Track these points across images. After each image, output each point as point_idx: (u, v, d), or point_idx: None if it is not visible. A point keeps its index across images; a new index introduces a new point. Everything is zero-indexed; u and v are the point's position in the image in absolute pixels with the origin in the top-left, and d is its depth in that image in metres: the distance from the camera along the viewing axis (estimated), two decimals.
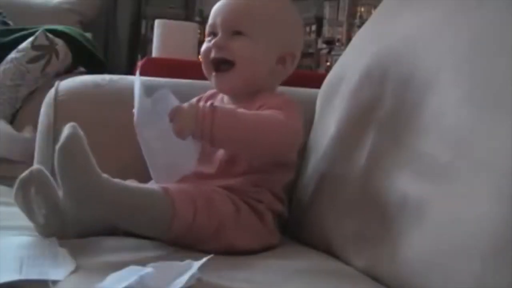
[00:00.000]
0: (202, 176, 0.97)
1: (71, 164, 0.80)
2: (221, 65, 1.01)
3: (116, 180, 0.84)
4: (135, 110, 0.95)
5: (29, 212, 0.86)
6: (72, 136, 0.79)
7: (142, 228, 0.87)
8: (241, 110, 0.93)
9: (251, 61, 1.01)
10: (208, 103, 0.90)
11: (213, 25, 1.03)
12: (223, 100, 1.07)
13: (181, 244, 0.88)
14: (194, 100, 1.09)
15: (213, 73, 1.03)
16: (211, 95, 1.10)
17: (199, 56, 1.05)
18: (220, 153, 0.98)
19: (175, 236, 0.87)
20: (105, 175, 0.83)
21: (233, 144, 0.93)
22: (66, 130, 0.80)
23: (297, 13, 1.09)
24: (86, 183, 0.80)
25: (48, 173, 0.87)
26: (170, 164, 0.94)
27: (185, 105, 0.90)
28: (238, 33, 1.01)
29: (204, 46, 1.03)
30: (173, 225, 0.86)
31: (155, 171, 0.96)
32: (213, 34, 1.03)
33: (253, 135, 0.91)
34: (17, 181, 0.85)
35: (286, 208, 1.04)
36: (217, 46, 1.01)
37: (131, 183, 0.90)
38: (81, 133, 0.81)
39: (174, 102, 0.90)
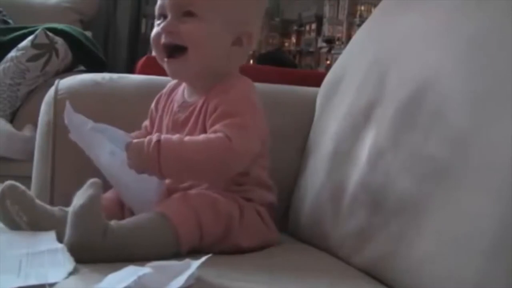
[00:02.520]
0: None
1: (86, 227, 0.79)
2: (173, 51, 0.96)
3: (120, 227, 0.82)
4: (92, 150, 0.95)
5: (12, 223, 0.86)
6: (92, 199, 0.79)
7: (152, 259, 0.85)
8: (187, 138, 0.89)
9: (205, 45, 0.95)
10: (154, 137, 0.87)
11: (162, 6, 0.96)
12: (183, 93, 1.02)
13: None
14: (164, 90, 1.07)
15: (165, 59, 0.97)
16: (172, 88, 1.06)
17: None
18: None
19: (188, 252, 0.86)
20: (111, 225, 0.81)
21: (182, 175, 0.91)
22: (89, 188, 0.80)
23: None
24: (92, 246, 0.79)
25: (20, 185, 0.87)
26: (140, 191, 0.93)
27: (134, 142, 0.88)
28: (188, 13, 0.94)
29: (153, 31, 0.97)
30: (182, 250, 0.84)
31: (127, 198, 0.96)
32: (163, 16, 0.96)
33: (199, 165, 0.89)
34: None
35: (275, 194, 1.02)
36: (166, 30, 0.95)
37: (130, 219, 0.87)
38: (100, 192, 0.80)
39: (121, 136, 0.91)
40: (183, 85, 1.04)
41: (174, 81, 1.06)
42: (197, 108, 0.97)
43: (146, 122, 1.08)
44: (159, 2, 0.97)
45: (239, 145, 0.89)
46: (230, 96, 0.95)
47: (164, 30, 0.95)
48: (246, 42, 0.99)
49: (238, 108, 0.93)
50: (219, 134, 0.89)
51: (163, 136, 0.88)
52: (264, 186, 1.00)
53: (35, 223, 0.86)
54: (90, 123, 0.93)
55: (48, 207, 0.90)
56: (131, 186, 0.93)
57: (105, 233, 0.80)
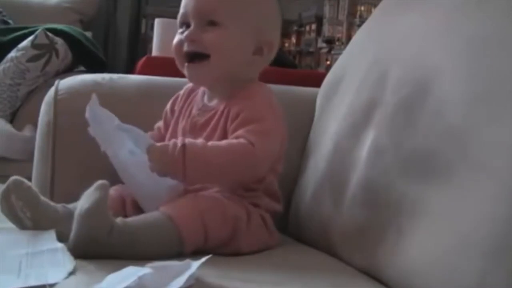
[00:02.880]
0: None
1: (92, 230, 0.79)
2: (194, 57, 0.97)
3: (126, 226, 0.82)
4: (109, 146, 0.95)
5: (16, 218, 0.87)
6: (99, 202, 0.79)
7: (156, 259, 0.85)
8: (210, 143, 0.90)
9: (227, 54, 0.96)
10: (179, 141, 0.88)
11: (185, 15, 0.97)
12: (203, 97, 1.03)
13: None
14: (181, 92, 1.07)
15: (186, 64, 0.98)
16: (190, 90, 1.06)
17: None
18: None
19: (191, 253, 0.86)
20: (117, 223, 0.81)
21: (205, 180, 0.92)
22: (96, 191, 0.80)
23: (273, 3, 1.03)
24: (97, 242, 0.79)
25: (25, 180, 0.88)
26: (155, 189, 0.93)
27: (158, 145, 0.88)
28: (211, 23, 0.95)
29: (176, 39, 0.98)
30: (185, 250, 0.85)
31: (142, 197, 0.96)
32: (185, 24, 0.98)
33: (223, 170, 0.90)
34: (5, 188, 0.87)
35: (281, 204, 1.02)
36: (189, 39, 0.96)
37: (135, 218, 0.87)
38: (107, 194, 0.80)
39: (143, 138, 0.91)
40: (202, 88, 1.04)
41: (191, 84, 1.06)
42: (218, 113, 0.97)
43: (160, 124, 1.08)
44: (181, 11, 0.98)
45: (262, 151, 0.90)
46: (253, 102, 0.96)
47: (187, 38, 0.96)
48: (267, 51, 1.01)
49: (260, 114, 0.94)
50: (242, 140, 0.90)
51: (187, 140, 0.88)
52: (272, 196, 1.00)
53: (38, 219, 0.87)
54: (116, 120, 0.94)
55: (51, 203, 0.90)
56: (146, 186, 0.93)
57: (111, 230, 0.80)
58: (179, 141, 0.88)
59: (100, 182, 0.81)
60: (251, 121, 0.92)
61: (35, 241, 0.81)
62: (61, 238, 0.83)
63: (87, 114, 0.95)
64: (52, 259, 0.76)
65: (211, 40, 0.95)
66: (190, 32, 0.96)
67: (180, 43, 0.97)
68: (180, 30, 0.98)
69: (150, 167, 0.87)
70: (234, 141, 0.91)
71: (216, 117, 0.97)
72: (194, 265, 0.69)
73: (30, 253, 0.77)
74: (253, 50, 0.99)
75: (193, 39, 0.95)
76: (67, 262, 0.75)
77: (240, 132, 0.92)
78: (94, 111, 0.95)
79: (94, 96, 0.95)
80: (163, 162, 0.87)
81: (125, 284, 0.64)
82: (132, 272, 0.67)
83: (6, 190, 0.86)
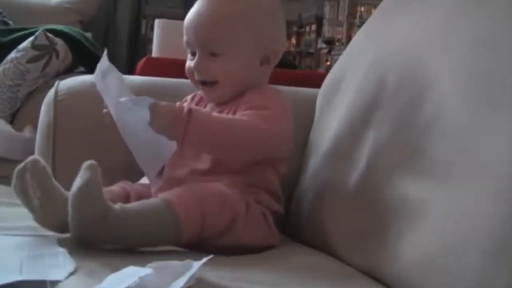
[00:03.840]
0: (199, 173, 0.97)
1: (85, 210, 0.81)
2: (206, 82, 1.02)
3: (123, 210, 0.83)
4: (111, 102, 0.95)
5: (25, 197, 0.87)
6: (89, 181, 0.80)
7: (153, 245, 0.87)
8: (215, 114, 0.94)
9: (234, 78, 1.01)
10: (186, 104, 0.90)
11: (189, 43, 1.02)
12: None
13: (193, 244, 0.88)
14: (188, 97, 1.10)
15: (200, 86, 1.03)
16: (201, 97, 1.09)
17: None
18: None
19: (188, 242, 0.87)
20: (115, 208, 0.82)
21: (202, 146, 0.93)
22: (86, 171, 0.81)
23: (273, 5, 1.05)
24: (97, 228, 0.81)
25: (43, 162, 0.88)
26: (152, 149, 0.95)
27: (162, 103, 0.90)
28: (213, 54, 1.00)
29: (187, 64, 1.03)
30: (182, 238, 0.86)
31: (139, 157, 0.98)
32: (192, 52, 1.03)
33: (224, 138, 0.92)
34: (15, 171, 0.87)
35: (282, 205, 1.03)
36: (197, 70, 1.01)
37: (134, 203, 0.89)
38: (99, 174, 0.81)
39: (144, 98, 0.91)
40: None
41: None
42: (229, 106, 1.00)
43: None
44: (185, 38, 1.03)
45: (265, 129, 0.93)
46: (263, 95, 1.00)
47: (195, 69, 1.01)
48: (274, 58, 1.04)
49: (269, 104, 0.97)
50: (246, 118, 0.94)
51: (193, 107, 0.91)
52: (273, 195, 1.00)
53: (46, 200, 0.87)
54: (125, 84, 0.95)
55: (62, 190, 0.90)
56: (143, 145, 0.95)
57: (106, 214, 0.81)
58: (185, 105, 0.91)
59: (88, 162, 0.82)
60: (259, 107, 0.96)
61: (37, 245, 0.82)
62: (64, 226, 0.84)
63: (97, 69, 0.96)
64: (53, 261, 0.76)
65: (215, 70, 1.00)
66: (196, 63, 1.01)
67: (191, 70, 1.02)
68: (189, 56, 1.03)
69: (150, 123, 0.88)
70: (241, 117, 0.94)
71: (226, 109, 1.00)
72: (195, 265, 0.69)
73: (31, 256, 0.77)
74: (260, 62, 1.03)
75: (199, 70, 1.01)
76: (68, 263, 0.75)
77: (247, 112, 0.95)
78: (105, 68, 0.96)
79: (105, 52, 0.97)
80: (166, 121, 0.88)
81: (126, 284, 0.64)
82: (132, 272, 0.67)
83: (23, 167, 0.87)
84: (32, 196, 0.87)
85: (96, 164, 0.82)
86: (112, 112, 0.96)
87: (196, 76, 1.02)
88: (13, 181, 0.88)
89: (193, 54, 1.02)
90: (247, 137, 0.93)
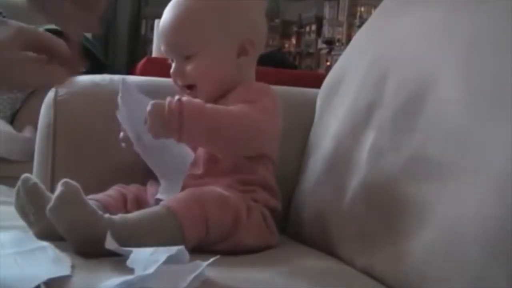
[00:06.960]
0: (195, 177, 0.97)
1: (69, 213, 0.79)
2: (188, 87, 1.03)
3: (124, 220, 0.82)
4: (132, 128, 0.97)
5: (22, 214, 0.89)
6: (66, 191, 0.79)
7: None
8: (209, 104, 0.93)
9: (210, 77, 1.02)
10: (176, 97, 0.89)
11: (166, 51, 1.05)
12: None
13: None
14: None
15: (186, 91, 1.04)
16: None
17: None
18: (201, 152, 0.99)
19: (191, 249, 0.86)
20: (115, 220, 0.81)
21: (201, 136, 0.92)
22: (61, 186, 0.80)
23: None
24: (88, 235, 0.79)
25: (34, 178, 0.88)
26: (174, 163, 0.95)
27: (155, 102, 0.89)
28: (186, 57, 1.02)
29: (171, 71, 1.05)
30: (186, 244, 0.83)
31: (164, 175, 0.97)
32: (171, 59, 1.05)
33: (222, 122, 0.92)
34: (17, 185, 0.89)
35: (280, 200, 1.03)
36: (175, 76, 1.04)
37: (135, 214, 0.87)
38: (75, 185, 0.80)
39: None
40: None
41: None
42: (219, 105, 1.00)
43: None
44: (162, 48, 1.05)
45: (257, 118, 0.94)
46: (250, 89, 1.01)
47: (173, 75, 1.04)
48: (251, 49, 1.03)
49: (257, 97, 0.98)
50: (241, 105, 0.95)
51: (184, 97, 0.91)
52: (269, 190, 1.00)
53: (40, 214, 0.86)
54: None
55: None
56: (163, 161, 0.96)
57: (95, 217, 0.79)
58: (175, 97, 0.90)
59: (62, 180, 0.80)
60: (248, 101, 0.96)
61: (18, 242, 0.81)
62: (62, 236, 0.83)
63: (119, 97, 0.99)
64: (45, 256, 0.76)
65: (191, 74, 1.02)
66: (173, 69, 1.04)
67: (174, 78, 1.05)
68: (172, 64, 1.05)
69: (148, 130, 0.88)
70: (234, 106, 0.95)
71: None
72: (202, 265, 0.69)
73: (19, 252, 0.77)
74: (236, 54, 1.03)
75: (177, 75, 1.04)
76: (62, 257, 0.75)
77: (238, 105, 0.95)
78: (129, 94, 0.99)
79: (121, 81, 1.01)
80: (161, 120, 0.88)
81: (157, 265, 0.66)
82: (162, 252, 0.69)
83: (18, 186, 0.89)
84: (28, 212, 0.88)
85: (73, 182, 0.80)
86: (131, 135, 0.98)
87: (178, 82, 1.04)
88: (15, 192, 0.89)
89: (173, 61, 1.04)
90: (244, 121, 0.94)
